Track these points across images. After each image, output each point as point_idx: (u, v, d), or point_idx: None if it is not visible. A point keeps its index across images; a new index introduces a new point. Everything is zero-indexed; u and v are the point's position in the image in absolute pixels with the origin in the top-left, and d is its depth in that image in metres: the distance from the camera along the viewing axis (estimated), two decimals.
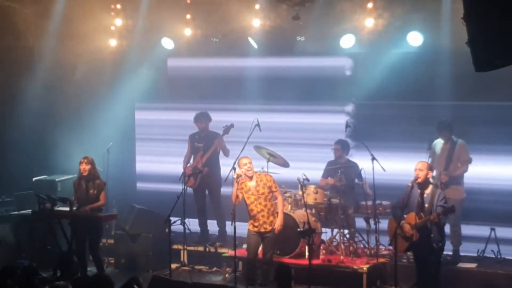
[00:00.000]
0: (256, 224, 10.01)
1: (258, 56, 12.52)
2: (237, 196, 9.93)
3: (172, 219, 10.16)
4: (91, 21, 12.38)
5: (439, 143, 10.86)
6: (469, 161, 10.55)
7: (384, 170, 10.59)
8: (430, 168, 9.27)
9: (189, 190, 11.70)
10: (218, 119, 12.19)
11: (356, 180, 11.04)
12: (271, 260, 10.14)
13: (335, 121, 12.14)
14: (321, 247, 10.88)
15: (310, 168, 11.32)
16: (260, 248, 10.20)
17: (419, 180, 9.08)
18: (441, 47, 11.11)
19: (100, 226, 10.63)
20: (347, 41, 11.69)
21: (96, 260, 10.65)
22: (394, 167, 11.10)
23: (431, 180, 9.33)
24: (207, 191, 12.02)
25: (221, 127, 11.80)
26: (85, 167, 10.55)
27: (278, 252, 10.68)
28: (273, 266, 10.19)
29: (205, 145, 11.89)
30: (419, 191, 9.15)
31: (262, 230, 10.01)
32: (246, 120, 11.23)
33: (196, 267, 11.52)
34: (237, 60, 12.83)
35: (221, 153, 11.90)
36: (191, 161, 12.06)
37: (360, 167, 10.88)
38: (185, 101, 13.29)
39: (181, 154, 12.25)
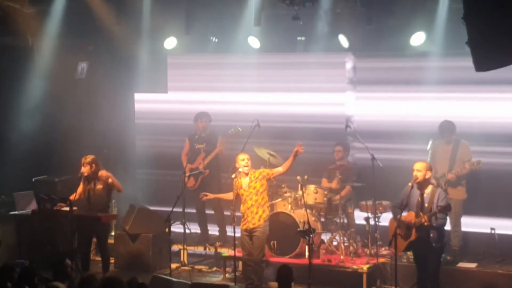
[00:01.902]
0: (244, 220, 10.04)
1: (258, 53, 12.54)
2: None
3: (172, 219, 10.19)
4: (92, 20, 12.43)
5: (440, 143, 10.86)
6: (478, 163, 10.49)
7: (384, 169, 10.60)
8: (429, 168, 9.26)
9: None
10: (216, 111, 12.35)
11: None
12: (261, 258, 10.13)
13: (335, 112, 12.23)
14: (321, 247, 10.88)
15: (310, 167, 11.36)
16: None
17: (418, 180, 9.10)
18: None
19: (106, 224, 10.63)
20: (344, 41, 11.76)
21: (103, 259, 10.68)
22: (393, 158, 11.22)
23: (431, 179, 9.35)
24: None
25: (226, 130, 11.91)
26: (84, 170, 10.57)
27: (278, 252, 10.69)
28: (263, 265, 10.20)
29: (207, 146, 11.88)
30: (419, 191, 9.16)
31: (251, 226, 10.00)
32: (245, 111, 11.44)
33: (196, 267, 11.52)
34: (236, 56, 12.83)
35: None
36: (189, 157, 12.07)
37: (358, 170, 10.84)
38: (184, 93, 13.34)
39: (181, 148, 12.29)
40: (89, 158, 10.63)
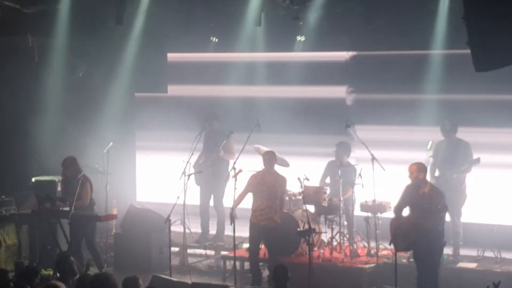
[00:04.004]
0: (260, 216, 10.19)
1: (258, 53, 12.56)
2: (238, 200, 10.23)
3: (172, 219, 10.20)
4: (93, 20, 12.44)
5: (442, 143, 10.86)
6: (477, 160, 10.53)
7: (384, 169, 10.61)
8: (422, 169, 9.26)
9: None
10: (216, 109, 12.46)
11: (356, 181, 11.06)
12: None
13: (334, 111, 12.26)
14: (321, 247, 10.88)
15: (310, 167, 11.39)
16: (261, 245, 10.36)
17: (410, 183, 9.14)
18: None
19: (93, 223, 10.66)
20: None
21: (94, 257, 10.71)
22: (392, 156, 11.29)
23: (428, 179, 9.37)
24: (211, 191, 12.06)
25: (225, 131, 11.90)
26: (67, 171, 10.71)
27: (278, 252, 10.68)
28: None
29: (214, 144, 11.88)
30: (418, 191, 9.17)
31: (263, 223, 10.20)
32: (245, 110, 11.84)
33: (196, 267, 11.51)
34: (236, 56, 12.85)
35: None
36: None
37: (358, 170, 10.84)
38: (184, 93, 13.36)
39: (180, 148, 12.28)
40: (69, 159, 10.70)
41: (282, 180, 10.34)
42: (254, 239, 10.29)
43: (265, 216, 10.17)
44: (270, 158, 10.34)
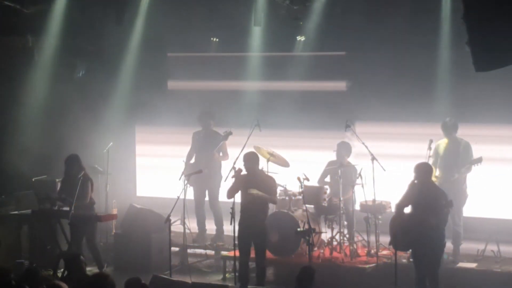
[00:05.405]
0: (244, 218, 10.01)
1: (259, 53, 12.59)
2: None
3: (172, 219, 10.21)
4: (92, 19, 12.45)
5: (443, 143, 10.87)
6: (479, 160, 10.52)
7: (384, 170, 10.61)
8: (429, 170, 9.28)
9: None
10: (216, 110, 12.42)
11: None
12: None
13: (335, 110, 12.25)
14: (321, 247, 10.88)
15: (309, 162, 11.39)
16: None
17: (414, 182, 9.23)
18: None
19: (93, 223, 10.67)
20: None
21: (95, 256, 10.72)
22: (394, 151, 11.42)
23: (433, 179, 9.37)
24: (207, 191, 12.03)
25: (222, 132, 11.84)
26: (67, 170, 10.72)
27: (278, 252, 10.67)
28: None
29: (208, 144, 11.87)
30: (420, 190, 9.18)
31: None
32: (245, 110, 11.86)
33: (196, 267, 11.52)
34: (237, 56, 12.87)
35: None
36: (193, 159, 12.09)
37: (359, 170, 10.83)
38: (184, 93, 13.41)
39: (180, 143, 12.34)
40: (72, 157, 10.77)
41: (270, 180, 10.06)
42: (243, 241, 10.09)
43: (249, 218, 9.95)
44: (250, 159, 9.92)
